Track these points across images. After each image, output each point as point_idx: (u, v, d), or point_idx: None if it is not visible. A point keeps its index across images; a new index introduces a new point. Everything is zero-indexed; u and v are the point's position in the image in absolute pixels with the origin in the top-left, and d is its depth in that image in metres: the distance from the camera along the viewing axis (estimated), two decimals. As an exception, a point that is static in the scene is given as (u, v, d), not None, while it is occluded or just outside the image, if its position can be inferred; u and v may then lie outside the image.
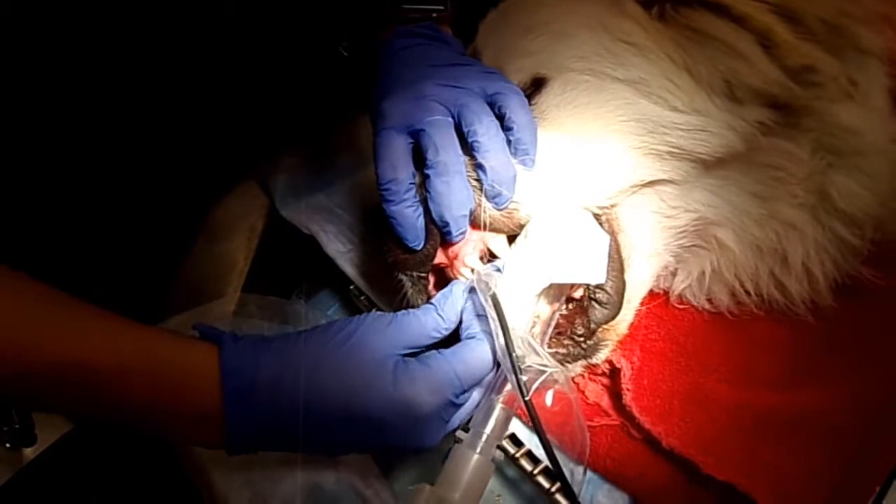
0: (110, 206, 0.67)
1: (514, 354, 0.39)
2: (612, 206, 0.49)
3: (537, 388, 0.40)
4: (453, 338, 0.45)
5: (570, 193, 0.47)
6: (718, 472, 0.43)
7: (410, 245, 0.47)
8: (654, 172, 0.48)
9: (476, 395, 0.44)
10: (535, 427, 0.38)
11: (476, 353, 0.43)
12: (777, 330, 0.50)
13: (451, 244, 0.47)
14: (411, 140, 0.48)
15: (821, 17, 0.47)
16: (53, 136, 0.62)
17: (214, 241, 0.73)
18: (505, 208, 0.47)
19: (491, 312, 0.41)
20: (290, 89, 0.76)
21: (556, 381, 0.40)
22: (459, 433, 0.43)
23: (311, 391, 0.41)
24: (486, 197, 0.46)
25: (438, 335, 0.44)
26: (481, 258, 0.47)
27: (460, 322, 0.45)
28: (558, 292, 0.46)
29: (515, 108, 0.47)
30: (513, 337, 0.40)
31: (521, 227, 0.47)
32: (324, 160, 0.77)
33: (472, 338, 0.43)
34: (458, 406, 0.43)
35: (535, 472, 0.48)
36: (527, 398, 0.38)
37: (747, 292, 0.50)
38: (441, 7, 0.55)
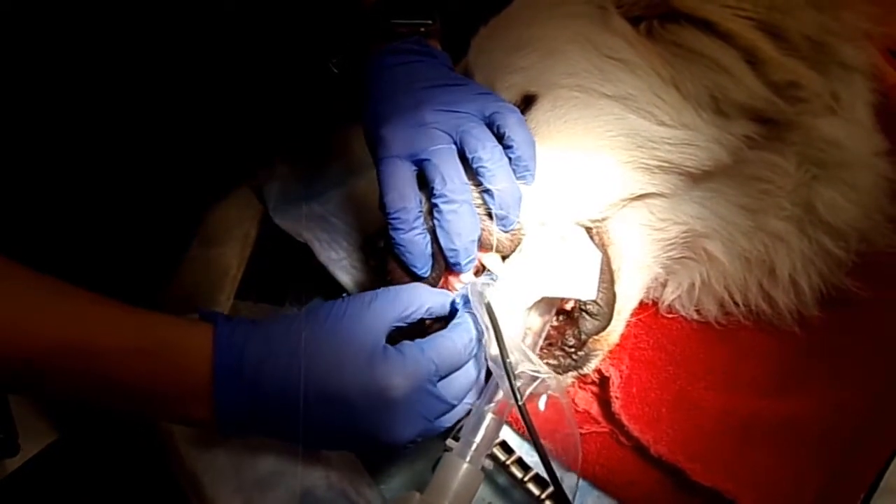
0: (104, 211, 0.69)
1: (507, 360, 0.41)
2: (603, 219, 0.51)
3: (530, 395, 0.42)
4: None
5: (562, 208, 0.50)
6: (705, 479, 0.45)
7: (419, 272, 0.49)
8: (643, 186, 0.50)
9: (468, 399, 0.46)
10: (529, 431, 0.40)
11: (452, 341, 0.45)
12: (763, 339, 0.52)
13: (457, 273, 0.50)
14: (415, 168, 0.50)
15: (804, 33, 0.50)
16: (50, 139, 0.64)
17: (208, 247, 0.75)
18: (511, 230, 0.49)
19: (485, 319, 0.43)
20: (285, 97, 0.78)
21: (548, 388, 0.42)
22: (449, 441, 0.45)
23: (290, 371, 0.43)
24: (495, 221, 0.49)
25: (421, 312, 0.46)
26: (475, 273, 0.50)
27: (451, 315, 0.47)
28: (549, 305, 0.49)
29: (513, 126, 0.49)
30: (506, 344, 0.42)
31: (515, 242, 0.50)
32: (317, 168, 0.80)
33: (452, 326, 0.46)
34: (439, 401, 0.44)
35: (526, 478, 0.51)
36: (520, 403, 0.40)
37: (735, 303, 0.53)
38: (429, 21, 0.58)
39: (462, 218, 0.48)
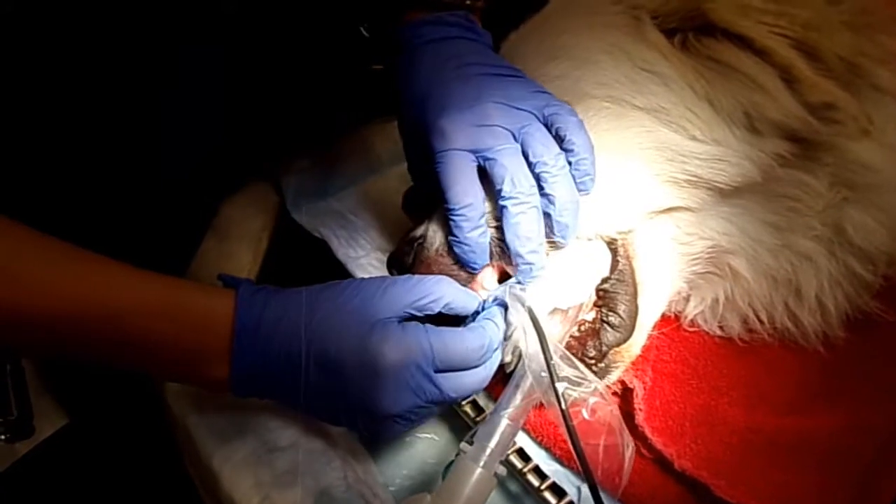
0: (117, 202, 0.71)
1: (552, 362, 0.42)
2: (629, 231, 0.53)
3: (572, 402, 0.43)
4: None
5: (589, 218, 0.51)
6: (730, 495, 0.46)
7: (475, 270, 0.51)
8: (671, 200, 0.52)
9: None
10: (572, 440, 0.41)
11: (462, 339, 0.46)
12: (787, 357, 0.54)
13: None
14: (477, 163, 0.50)
15: (839, 54, 0.51)
16: (62, 129, 0.66)
17: (222, 240, 0.77)
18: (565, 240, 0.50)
19: (526, 322, 0.44)
20: (307, 89, 0.80)
21: (595, 395, 0.43)
22: (463, 445, 0.47)
23: (298, 333, 0.46)
24: (552, 229, 0.50)
25: (439, 306, 0.47)
26: (498, 279, 0.52)
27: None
28: (571, 314, 0.50)
29: (575, 129, 0.50)
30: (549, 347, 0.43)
31: None
32: (335, 164, 0.81)
33: (470, 328, 0.47)
34: (432, 384, 0.45)
35: (543, 487, 0.52)
36: (563, 407, 0.41)
37: (760, 321, 0.55)
38: None
39: (531, 221, 0.49)
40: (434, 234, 0.52)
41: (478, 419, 0.57)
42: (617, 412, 0.43)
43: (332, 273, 0.73)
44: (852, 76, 0.52)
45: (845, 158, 0.52)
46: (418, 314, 0.48)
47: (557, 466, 0.54)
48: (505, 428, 0.45)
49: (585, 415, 0.43)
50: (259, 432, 0.54)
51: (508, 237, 0.49)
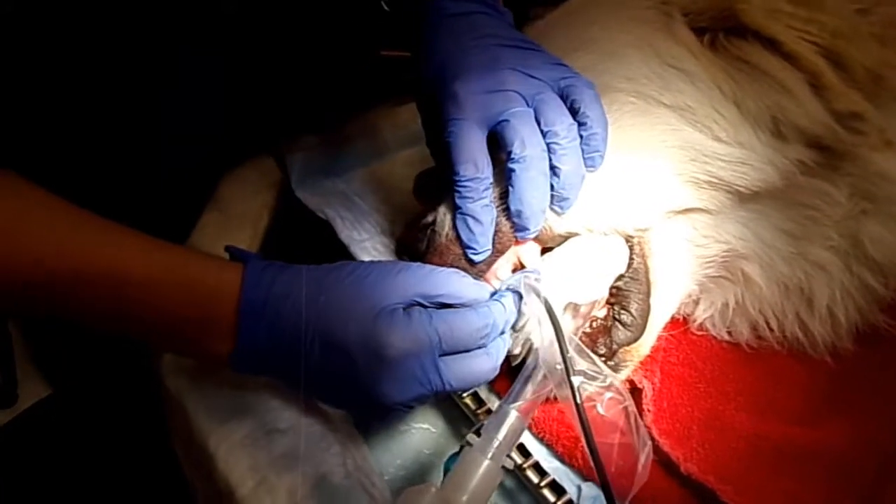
0: (118, 173, 0.70)
1: (567, 356, 0.41)
2: (646, 229, 0.52)
3: (586, 397, 0.42)
4: None
5: (607, 213, 0.51)
6: (737, 502, 0.46)
7: (479, 248, 0.49)
8: (690, 200, 0.52)
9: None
10: (586, 436, 0.40)
11: (465, 319, 0.46)
12: (794, 365, 0.54)
13: (518, 242, 0.50)
14: (487, 132, 0.49)
15: (865, 65, 0.51)
16: (62, 128, 0.65)
17: (223, 215, 0.76)
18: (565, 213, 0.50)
19: (541, 314, 0.44)
20: (312, 77, 0.79)
21: (611, 390, 0.43)
22: (470, 437, 0.46)
23: (306, 312, 0.45)
24: (552, 200, 0.49)
25: (449, 299, 0.47)
26: (513, 271, 0.51)
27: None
28: (584, 310, 0.50)
29: (590, 102, 0.49)
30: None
31: (557, 238, 0.51)
32: (343, 145, 0.80)
33: (474, 307, 0.47)
34: (437, 374, 0.45)
35: (542, 484, 0.52)
36: (579, 401, 0.41)
37: (770, 328, 0.55)
38: None
39: (537, 187, 0.48)
40: (444, 218, 0.52)
41: (478, 411, 0.56)
42: (633, 409, 0.43)
43: (333, 254, 0.72)
44: (877, 88, 0.52)
45: (867, 170, 0.52)
46: (426, 304, 0.47)
47: (558, 464, 0.54)
48: (514, 421, 0.45)
49: (600, 409, 0.43)
50: (258, 413, 0.53)
51: (512, 200, 0.48)
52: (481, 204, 0.49)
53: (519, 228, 0.50)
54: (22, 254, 0.43)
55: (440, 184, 0.56)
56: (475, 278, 0.50)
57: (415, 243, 0.52)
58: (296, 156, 0.76)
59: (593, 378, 0.43)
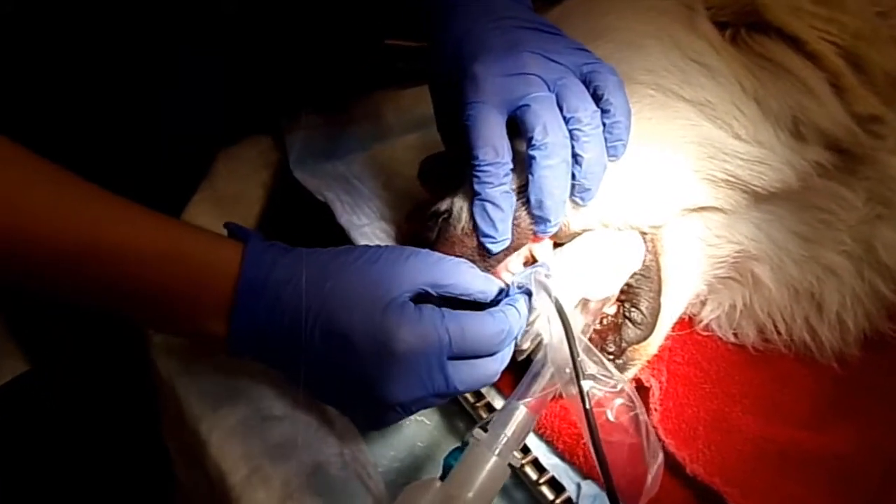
0: (117, 172, 0.68)
1: (578, 359, 0.40)
2: (659, 226, 0.51)
3: (596, 401, 0.41)
4: None
5: (622, 209, 0.50)
6: None
7: (494, 240, 0.47)
8: (706, 198, 0.51)
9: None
10: (593, 440, 0.39)
11: (481, 324, 0.44)
12: (800, 369, 0.54)
13: (535, 239, 0.49)
14: (507, 116, 0.47)
15: (885, 69, 0.50)
16: (61, 128, 0.63)
17: (217, 195, 0.73)
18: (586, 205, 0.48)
19: (551, 312, 0.42)
20: (316, 65, 0.77)
21: (621, 395, 0.41)
22: (477, 432, 0.45)
23: (308, 297, 0.43)
24: (573, 190, 0.47)
25: (457, 291, 0.45)
26: (524, 265, 0.50)
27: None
28: (595, 307, 0.49)
29: (613, 89, 0.47)
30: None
31: (571, 234, 0.50)
32: (345, 126, 0.78)
33: (490, 312, 0.45)
34: (443, 376, 0.43)
35: (541, 481, 0.51)
36: (588, 406, 0.40)
37: (778, 331, 0.54)
38: None
39: (559, 176, 0.46)
40: (460, 211, 0.50)
41: (477, 405, 0.55)
42: (645, 417, 0.41)
43: (331, 239, 0.70)
44: (894, 92, 0.51)
45: (884, 174, 0.51)
46: (433, 293, 0.45)
47: (557, 461, 0.53)
48: (523, 417, 0.43)
49: (610, 416, 0.41)
50: (253, 399, 0.51)
51: (533, 189, 0.47)
52: (501, 190, 0.47)
53: (539, 221, 0.48)
54: (14, 223, 0.41)
55: (452, 171, 0.54)
56: (484, 271, 0.48)
57: (424, 232, 0.50)
58: (296, 135, 0.74)
59: (603, 382, 0.41)
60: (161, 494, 0.69)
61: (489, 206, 0.47)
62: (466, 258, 0.48)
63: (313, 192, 0.71)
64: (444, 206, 0.51)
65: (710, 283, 0.56)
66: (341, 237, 0.69)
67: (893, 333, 0.54)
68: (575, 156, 0.47)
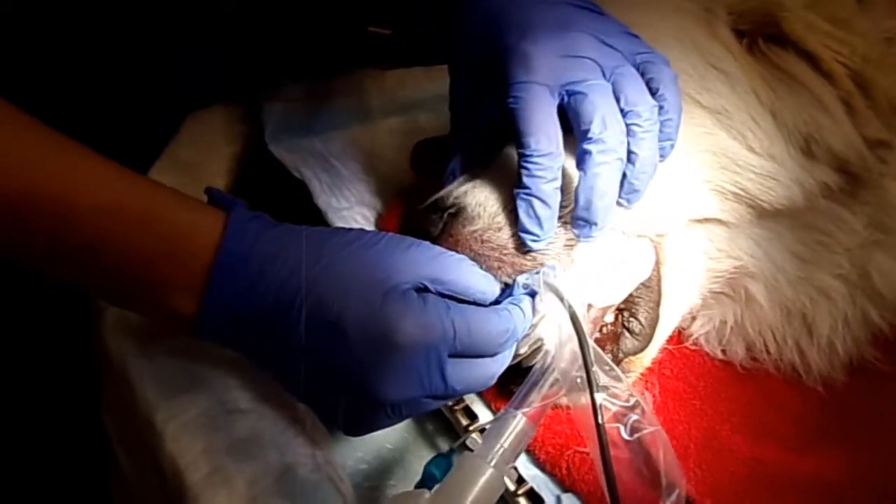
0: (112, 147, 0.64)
1: (592, 370, 0.38)
2: (663, 235, 0.50)
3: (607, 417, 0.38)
4: None
5: (635, 214, 0.47)
6: None
7: (537, 238, 0.43)
8: (713, 210, 0.50)
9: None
10: (603, 457, 0.37)
11: (487, 321, 0.40)
12: (787, 390, 0.53)
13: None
14: (559, 101, 0.43)
15: (889, 95, 0.50)
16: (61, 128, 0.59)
17: (183, 156, 0.68)
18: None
19: (561, 318, 0.40)
20: (304, 34, 0.74)
21: (637, 411, 0.39)
22: (470, 440, 0.43)
23: (293, 279, 0.39)
24: (623, 190, 0.44)
25: (456, 288, 0.42)
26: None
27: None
28: (596, 315, 0.47)
29: (669, 84, 0.44)
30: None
31: None
32: (325, 102, 0.74)
33: (495, 309, 0.42)
34: (441, 375, 0.39)
35: (519, 492, 0.48)
36: (601, 421, 0.37)
37: (767, 351, 0.53)
38: None
39: (612, 175, 0.42)
40: (479, 209, 0.45)
41: (455, 408, 0.52)
42: (664, 436, 0.39)
43: (305, 220, 0.66)
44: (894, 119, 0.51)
45: (885, 200, 0.52)
46: (431, 289, 0.41)
47: (537, 472, 0.50)
48: (521, 426, 0.40)
49: (624, 434, 0.38)
50: (216, 389, 0.46)
51: (583, 188, 0.42)
52: (553, 186, 0.43)
53: (583, 224, 0.43)
54: None
55: (446, 157, 0.51)
56: (485, 271, 0.45)
57: (425, 225, 0.45)
58: (274, 105, 0.70)
59: (615, 395, 0.39)
60: (97, 476, 0.63)
61: (537, 204, 0.42)
62: (470, 258, 0.44)
63: (290, 168, 0.66)
64: (450, 199, 0.46)
65: (704, 297, 0.55)
66: (318, 220, 0.64)
67: (876, 362, 0.54)
68: (630, 152, 0.43)
